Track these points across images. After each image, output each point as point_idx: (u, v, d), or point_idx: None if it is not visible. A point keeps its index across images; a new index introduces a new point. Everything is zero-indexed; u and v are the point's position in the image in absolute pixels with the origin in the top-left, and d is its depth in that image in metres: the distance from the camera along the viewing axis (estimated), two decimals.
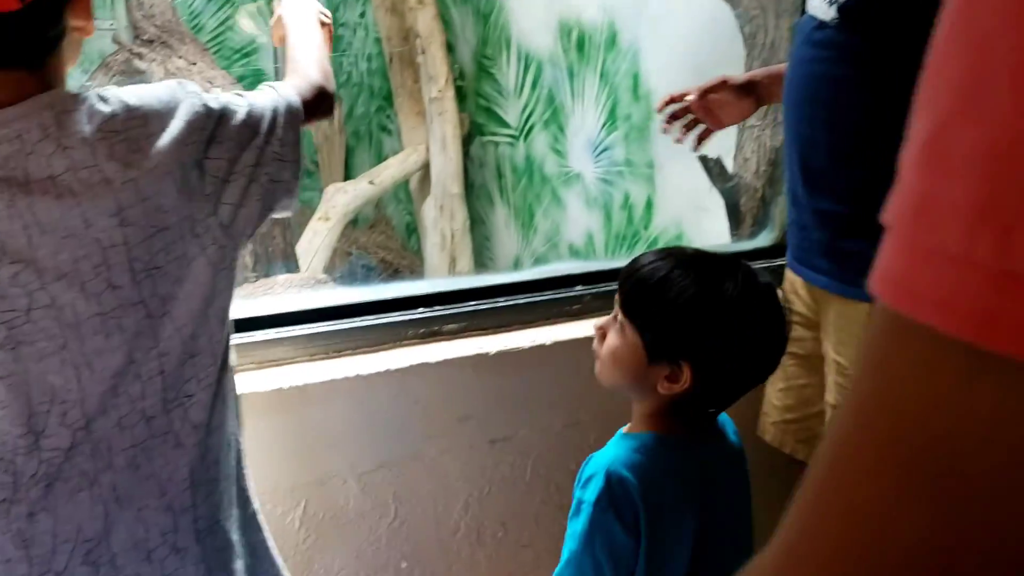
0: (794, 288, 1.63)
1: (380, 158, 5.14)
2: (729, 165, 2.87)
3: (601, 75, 3.58)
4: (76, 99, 1.02)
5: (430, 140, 4.14)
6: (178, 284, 1.04)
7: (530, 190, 4.11)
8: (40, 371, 0.99)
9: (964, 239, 0.26)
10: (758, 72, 1.79)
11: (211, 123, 1.07)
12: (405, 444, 1.61)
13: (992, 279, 0.26)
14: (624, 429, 1.30)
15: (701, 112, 1.71)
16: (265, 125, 1.11)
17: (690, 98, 1.72)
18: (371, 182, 4.29)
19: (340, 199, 4.21)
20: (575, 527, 1.20)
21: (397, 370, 1.58)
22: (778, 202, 2.26)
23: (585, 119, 3.71)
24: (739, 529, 1.28)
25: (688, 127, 1.76)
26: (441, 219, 4.13)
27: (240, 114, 1.09)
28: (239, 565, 1.12)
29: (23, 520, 1.00)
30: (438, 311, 1.70)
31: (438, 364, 1.60)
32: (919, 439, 0.28)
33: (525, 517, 1.76)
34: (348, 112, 5.64)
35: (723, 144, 2.85)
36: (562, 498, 1.77)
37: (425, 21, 4.08)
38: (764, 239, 2.19)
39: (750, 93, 1.72)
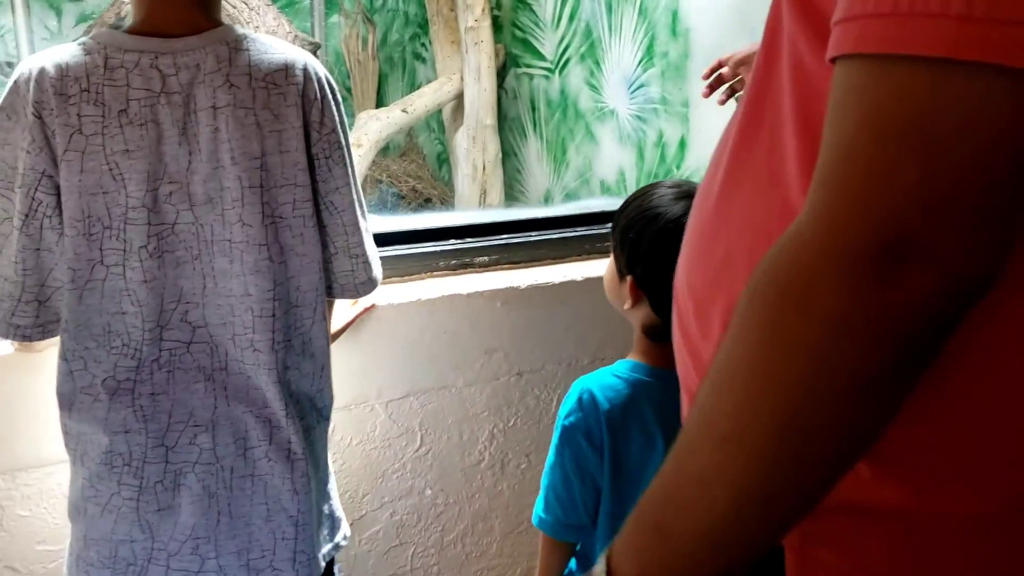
0: None
1: (413, 86, 5.11)
2: None
3: (640, 10, 3.51)
4: (246, 40, 1.12)
5: (465, 70, 4.10)
6: (299, 239, 1.14)
7: (564, 124, 4.07)
8: (175, 275, 1.11)
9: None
10: None
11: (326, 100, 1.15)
12: (433, 374, 1.63)
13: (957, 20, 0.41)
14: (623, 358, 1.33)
15: (740, 83, 1.69)
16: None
17: (724, 71, 1.69)
18: (404, 110, 4.26)
19: (373, 126, 4.20)
20: (552, 441, 1.28)
21: (427, 300, 1.59)
22: None
23: (622, 54, 3.65)
24: None
25: (729, 94, 1.73)
26: (473, 150, 4.11)
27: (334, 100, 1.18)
28: (313, 484, 1.21)
29: (146, 398, 1.13)
30: (469, 243, 1.71)
31: (468, 296, 1.62)
32: (909, 119, 0.44)
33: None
34: (382, 39, 5.58)
35: None
36: None
37: None
38: None
39: None
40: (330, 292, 1.22)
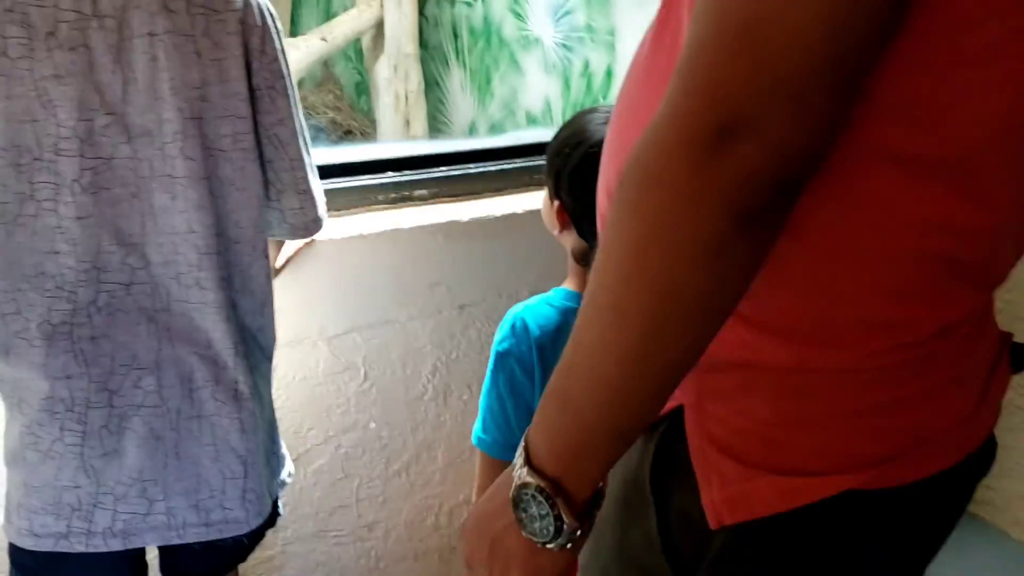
0: None
1: (329, 13, 4.94)
2: None
3: None
4: None
5: None
6: (239, 172, 1.10)
7: (488, 53, 4.01)
8: (113, 215, 1.06)
9: None
10: None
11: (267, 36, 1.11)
12: (376, 309, 1.61)
13: None
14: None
15: None
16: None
17: None
18: (323, 39, 4.13)
19: (291, 56, 4.05)
20: (488, 365, 1.31)
21: (368, 235, 1.57)
22: None
23: None
24: None
25: None
26: (395, 80, 4.03)
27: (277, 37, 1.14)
28: (259, 422, 1.20)
29: (86, 342, 1.08)
30: (408, 176, 1.68)
31: (410, 231, 1.60)
32: (744, 17, 0.50)
33: None
34: None
35: None
36: None
37: None
38: None
39: None
40: (275, 231, 1.19)
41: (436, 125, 4.31)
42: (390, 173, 1.66)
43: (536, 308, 1.28)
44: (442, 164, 1.73)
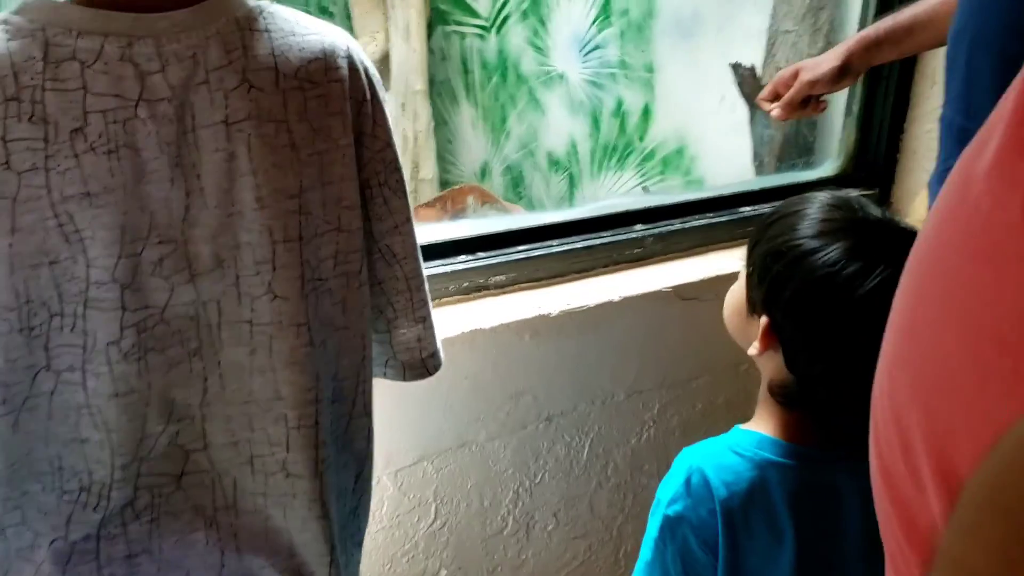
0: None
1: None
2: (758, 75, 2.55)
3: None
4: (263, 14, 0.73)
5: (391, 28, 3.68)
6: (340, 306, 0.79)
7: (503, 89, 3.70)
8: (164, 385, 0.73)
9: None
10: (852, 45, 1.43)
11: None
12: (451, 431, 1.29)
13: None
14: (741, 425, 1.03)
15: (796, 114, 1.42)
16: None
17: (775, 114, 1.41)
18: None
19: None
20: (649, 529, 0.97)
21: (443, 339, 1.24)
22: (835, 125, 1.95)
23: (571, 12, 3.31)
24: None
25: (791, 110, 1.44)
26: (403, 119, 3.71)
27: None
28: None
29: (119, 564, 0.75)
30: (482, 259, 1.36)
31: (492, 330, 1.27)
32: None
33: (580, 504, 1.47)
34: None
35: (757, 49, 2.52)
36: (619, 479, 1.49)
37: None
38: (827, 168, 1.88)
39: (845, 76, 1.41)
40: (384, 373, 0.86)
41: (444, 166, 4.00)
42: (463, 256, 1.34)
43: (719, 457, 0.96)
44: (522, 241, 1.41)
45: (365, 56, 0.79)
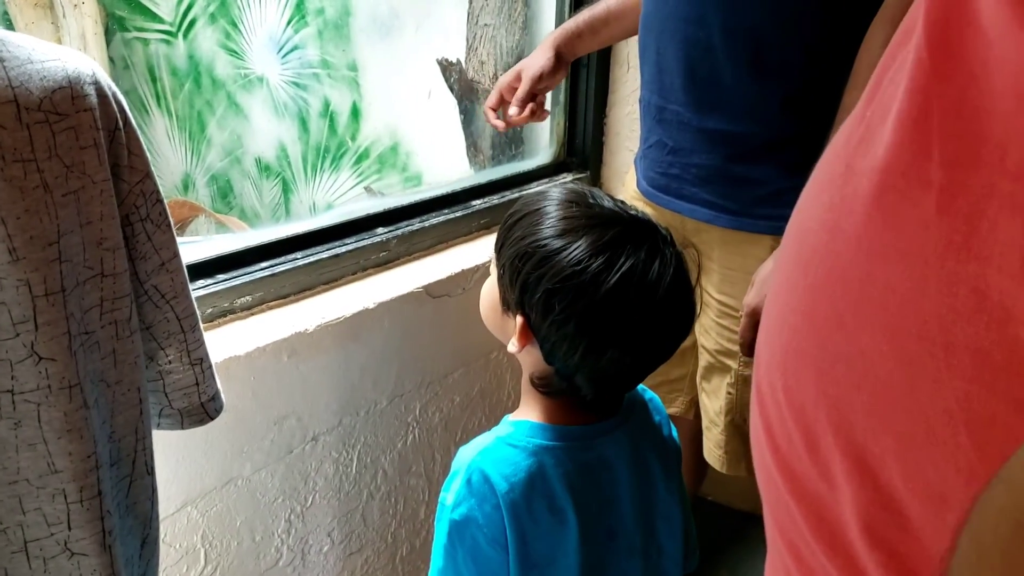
0: None
1: None
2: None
3: None
4: None
5: (63, 38, 3.34)
6: (111, 359, 0.70)
7: (197, 95, 3.50)
8: None
9: None
10: (558, 37, 1.51)
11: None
12: (214, 469, 1.20)
13: None
14: (510, 416, 1.05)
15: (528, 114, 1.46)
16: None
17: (513, 112, 1.46)
18: None
19: None
20: (437, 536, 0.97)
21: None
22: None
23: (264, 14, 3.19)
24: (655, 541, 1.08)
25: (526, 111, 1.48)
26: None
27: None
28: None
29: None
30: (223, 281, 1.27)
31: (248, 356, 1.20)
32: None
33: (352, 519, 1.43)
34: None
35: (458, 44, 2.57)
36: (388, 486, 1.47)
37: None
38: (543, 156, 1.96)
39: (560, 67, 1.49)
40: (159, 424, 0.78)
41: None
42: (202, 282, 1.24)
43: (494, 452, 0.96)
44: (257, 259, 1.34)
45: (111, 80, 0.70)
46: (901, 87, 0.33)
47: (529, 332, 0.94)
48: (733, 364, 1.37)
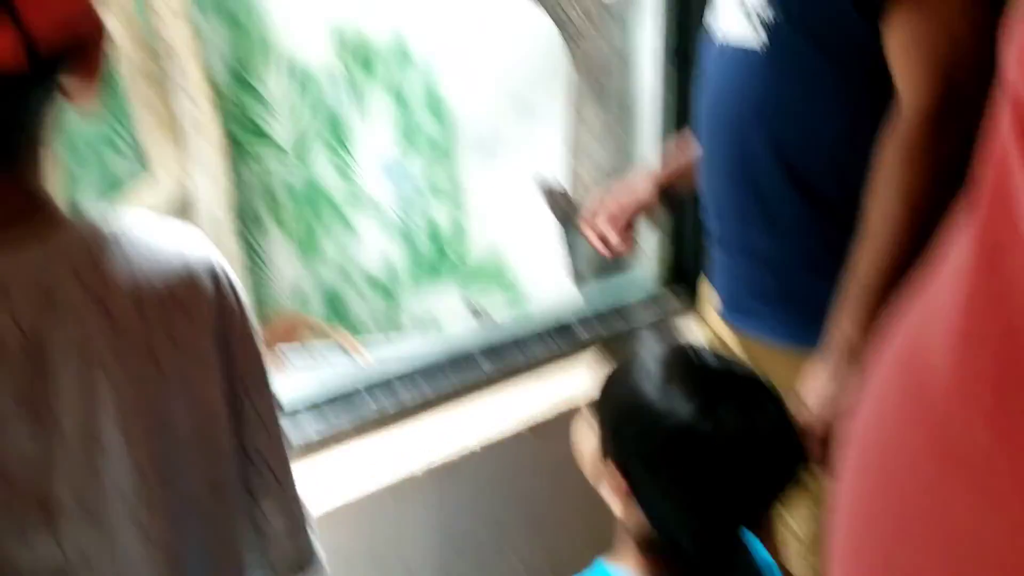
0: (723, 343, 1.43)
1: (113, 182, 4.43)
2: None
3: (391, 90, 3.24)
4: (114, 232, 0.68)
5: (189, 162, 3.58)
6: (210, 533, 0.74)
7: (310, 212, 3.68)
8: None
9: None
10: (662, 174, 1.57)
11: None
12: None
13: None
14: (606, 561, 1.04)
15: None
16: None
17: (615, 242, 1.52)
18: None
19: None
20: None
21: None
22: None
23: (375, 137, 3.36)
24: None
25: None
26: None
27: None
28: None
29: None
30: (331, 413, 1.32)
31: (358, 503, 1.23)
32: None
33: None
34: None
35: (557, 164, 2.65)
36: None
37: (175, 28, 3.51)
38: (646, 273, 1.98)
39: (658, 201, 1.55)
40: None
41: (258, 294, 3.89)
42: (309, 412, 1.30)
43: None
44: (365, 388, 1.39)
45: (227, 265, 0.76)
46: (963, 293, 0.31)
47: (630, 490, 0.94)
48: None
